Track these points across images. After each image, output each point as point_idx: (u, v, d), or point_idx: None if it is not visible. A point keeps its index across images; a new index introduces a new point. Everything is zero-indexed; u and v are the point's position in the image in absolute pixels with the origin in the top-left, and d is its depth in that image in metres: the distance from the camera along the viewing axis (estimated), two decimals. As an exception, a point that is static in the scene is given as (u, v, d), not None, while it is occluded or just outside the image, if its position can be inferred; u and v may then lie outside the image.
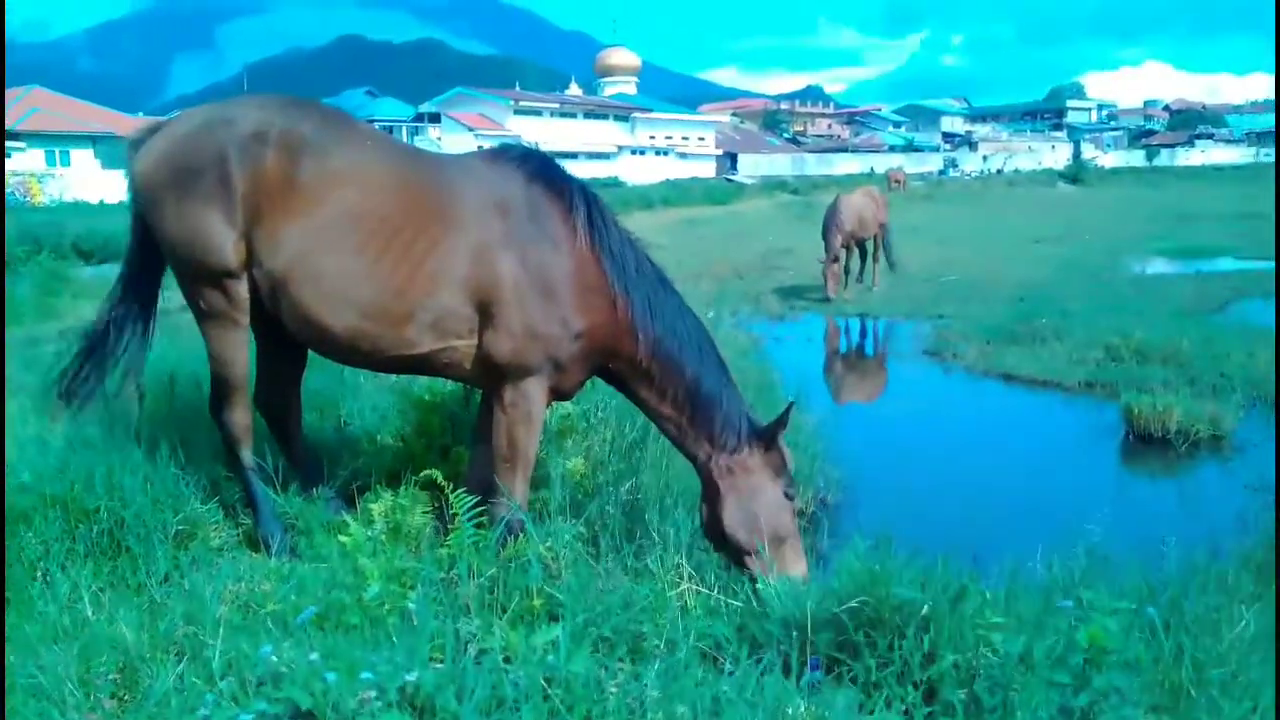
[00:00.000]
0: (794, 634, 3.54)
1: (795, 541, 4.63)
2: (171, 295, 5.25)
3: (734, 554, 4.61)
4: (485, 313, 4.57)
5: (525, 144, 5.23)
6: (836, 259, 18.13)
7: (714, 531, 4.69)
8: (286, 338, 4.91)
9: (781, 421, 4.59)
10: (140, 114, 68.05)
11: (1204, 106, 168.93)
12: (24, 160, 49.66)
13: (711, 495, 4.69)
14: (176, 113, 5.21)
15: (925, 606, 3.42)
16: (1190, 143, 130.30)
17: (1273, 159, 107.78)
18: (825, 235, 18.27)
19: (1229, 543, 5.57)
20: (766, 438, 4.62)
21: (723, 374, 4.77)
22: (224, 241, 4.53)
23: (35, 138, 51.93)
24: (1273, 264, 21.67)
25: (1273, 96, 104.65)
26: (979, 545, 5.38)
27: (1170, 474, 8.52)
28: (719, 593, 4.08)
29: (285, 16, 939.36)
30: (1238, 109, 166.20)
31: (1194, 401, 9.20)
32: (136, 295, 5.15)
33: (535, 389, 4.68)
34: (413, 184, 4.67)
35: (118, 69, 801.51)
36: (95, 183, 46.98)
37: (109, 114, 58.83)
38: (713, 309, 13.07)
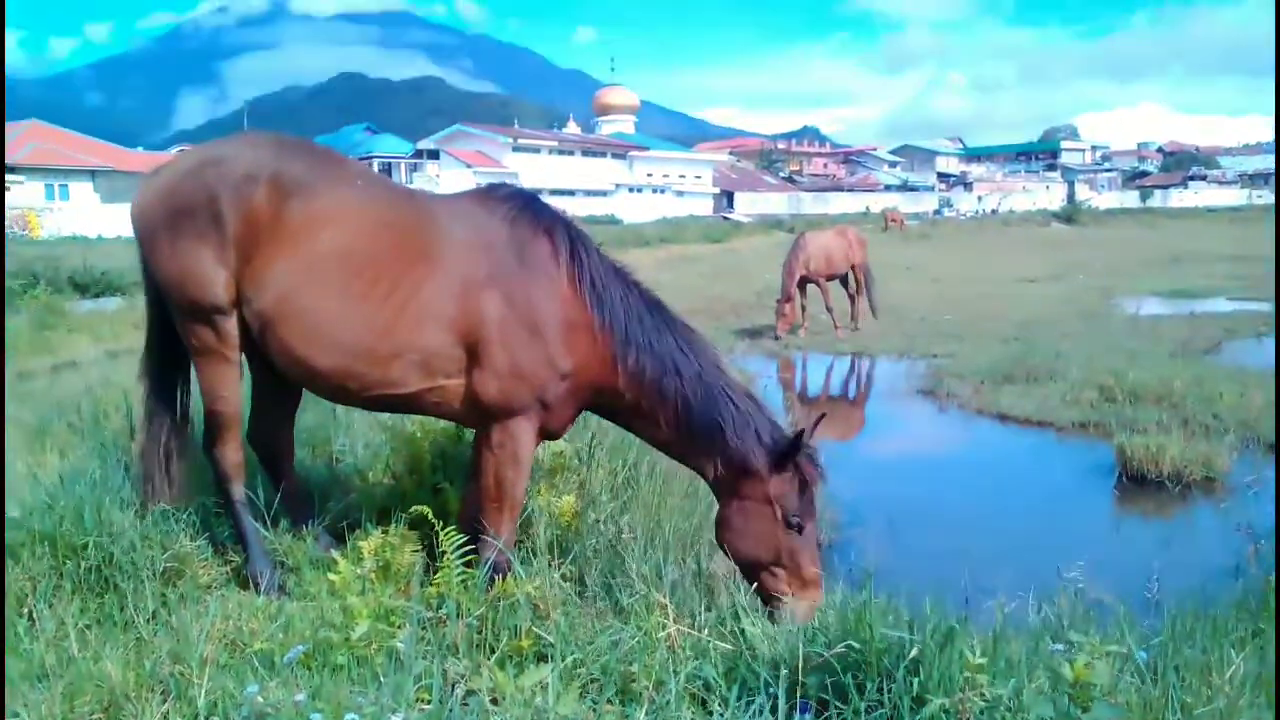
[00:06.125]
0: (783, 676, 3.52)
1: (801, 570, 4.45)
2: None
3: (744, 574, 4.61)
4: (472, 353, 4.56)
5: (512, 183, 5.21)
6: (789, 299, 18.29)
7: (721, 547, 4.69)
8: (279, 374, 4.92)
9: (795, 445, 4.43)
10: (140, 149, 68.35)
11: (1197, 148, 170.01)
12: (23, 194, 49.87)
13: (720, 512, 4.69)
14: (175, 148, 5.24)
15: (914, 649, 3.40)
16: (1184, 184, 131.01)
17: (1266, 201, 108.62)
18: (783, 273, 18.45)
19: (1221, 585, 5.56)
20: (775, 459, 4.50)
21: (726, 395, 4.61)
22: (214, 279, 4.57)
23: (34, 171, 52.16)
24: (1265, 305, 21.83)
25: (1272, 139, 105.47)
26: (971, 586, 5.37)
27: (1163, 515, 8.51)
28: (707, 633, 4.05)
29: (289, 53, 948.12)
30: (1230, 151, 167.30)
31: (1187, 442, 9.21)
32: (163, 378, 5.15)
33: (523, 429, 4.66)
34: (399, 223, 4.68)
35: (124, 104, 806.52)
36: (94, 217, 47.29)
37: (109, 148, 58.99)
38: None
